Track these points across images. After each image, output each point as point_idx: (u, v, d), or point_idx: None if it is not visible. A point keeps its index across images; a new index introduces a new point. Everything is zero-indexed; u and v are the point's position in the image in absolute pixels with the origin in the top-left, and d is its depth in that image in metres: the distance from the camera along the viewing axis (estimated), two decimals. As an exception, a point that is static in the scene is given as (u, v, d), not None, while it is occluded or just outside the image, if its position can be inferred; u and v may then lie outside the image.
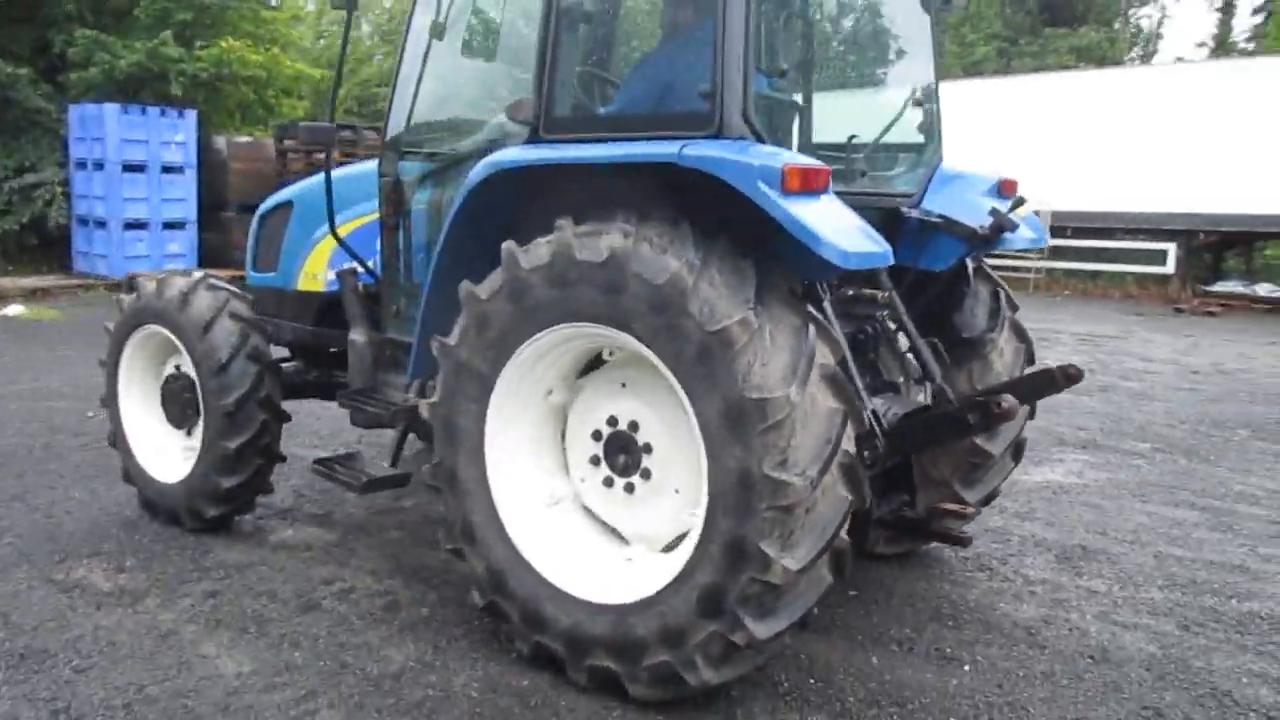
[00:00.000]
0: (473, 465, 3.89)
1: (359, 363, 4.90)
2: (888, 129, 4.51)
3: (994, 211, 4.36)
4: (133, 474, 5.48)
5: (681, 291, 3.25)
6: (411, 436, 4.95)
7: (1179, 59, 32.33)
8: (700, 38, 3.55)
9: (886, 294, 4.33)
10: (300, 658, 3.90)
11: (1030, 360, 4.93)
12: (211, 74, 18.23)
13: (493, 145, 4.18)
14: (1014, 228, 4.34)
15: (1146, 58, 35.74)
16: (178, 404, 5.31)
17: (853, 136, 4.35)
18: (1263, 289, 20.70)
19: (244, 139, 18.46)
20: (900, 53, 4.75)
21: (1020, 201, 4.41)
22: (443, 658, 3.93)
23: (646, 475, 3.71)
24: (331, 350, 5.61)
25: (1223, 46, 32.58)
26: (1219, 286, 20.96)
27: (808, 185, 3.20)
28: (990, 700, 3.75)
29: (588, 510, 3.98)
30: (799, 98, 4.46)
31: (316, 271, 5.48)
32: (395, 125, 4.65)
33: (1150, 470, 7.24)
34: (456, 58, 4.74)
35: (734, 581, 3.27)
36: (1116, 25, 33.65)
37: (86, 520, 5.41)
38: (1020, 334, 4.89)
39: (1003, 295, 4.82)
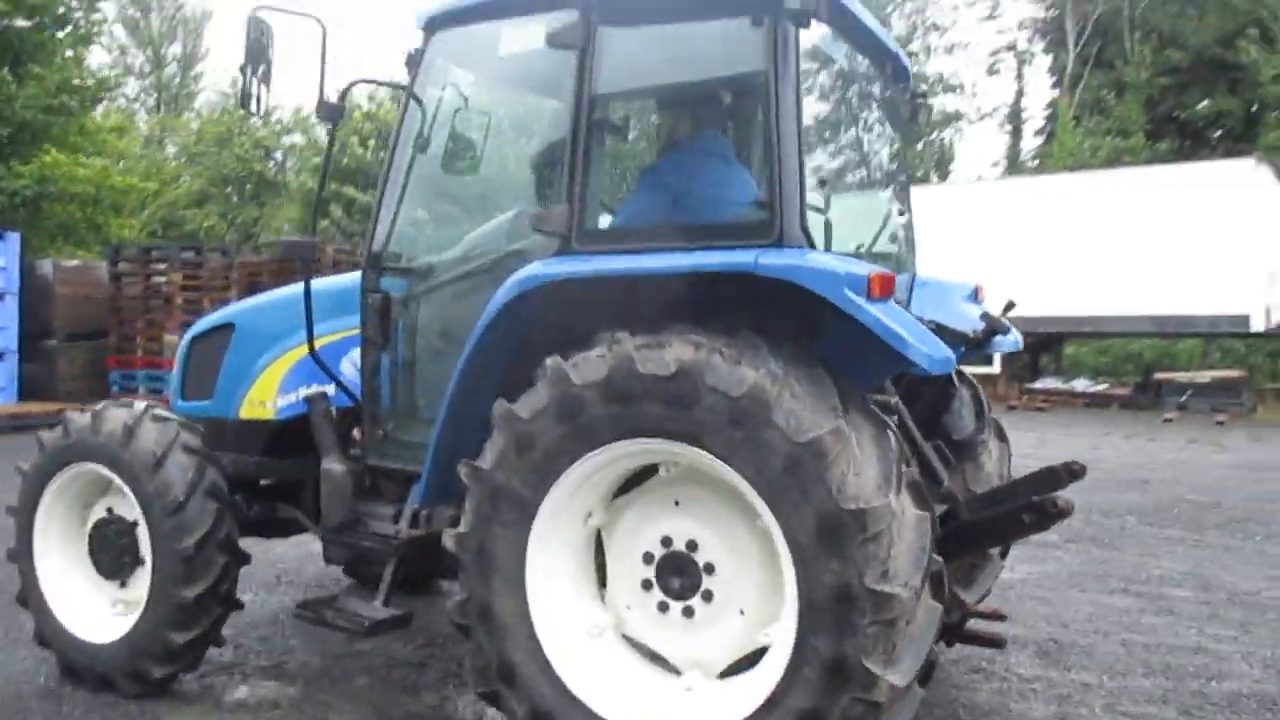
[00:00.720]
0: (511, 598, 3.60)
1: (337, 494, 4.51)
2: (879, 234, 4.63)
3: (986, 316, 4.51)
4: (49, 636, 4.80)
5: (764, 403, 3.15)
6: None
7: (979, 178, 35.46)
8: (750, 147, 3.55)
9: (895, 399, 4.37)
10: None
11: (1008, 460, 5.07)
12: (35, 192, 17.07)
13: (508, 258, 4.02)
14: (1006, 331, 4.50)
15: (944, 176, 38.92)
16: (111, 551, 4.72)
17: (859, 245, 4.43)
18: (1079, 384, 22.44)
19: (71, 262, 17.30)
20: (880, 162, 4.93)
21: (1011, 305, 4.58)
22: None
23: (708, 597, 3.52)
24: (268, 484, 5.17)
25: (1014, 165, 35.98)
26: (1040, 384, 22.59)
27: (885, 292, 3.21)
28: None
29: (627, 640, 3.74)
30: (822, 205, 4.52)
31: (264, 399, 5.05)
32: (380, 240, 4.41)
33: (1072, 561, 7.54)
34: (445, 173, 4.58)
35: (834, 704, 3.11)
36: (920, 146, 36.47)
37: (-7, 695, 4.68)
38: (1000, 435, 5.03)
39: (983, 397, 4.96)
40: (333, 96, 4.25)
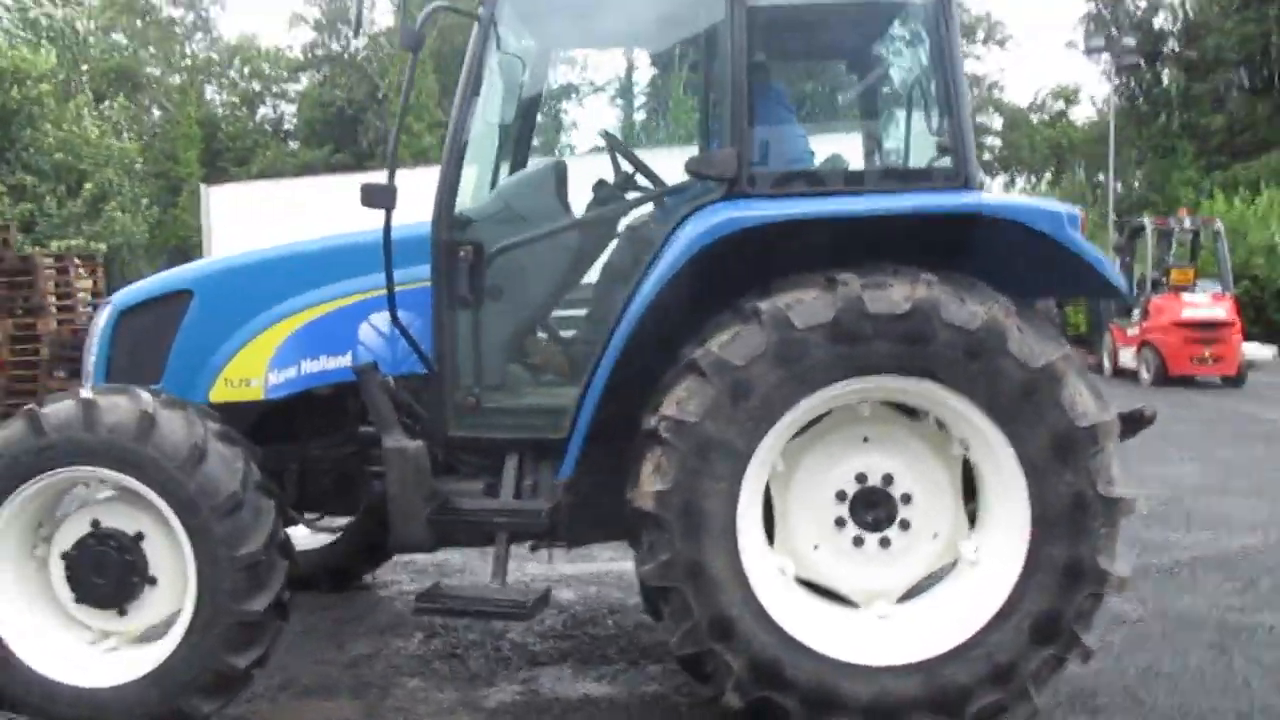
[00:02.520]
0: (723, 552, 3.51)
1: (414, 473, 3.98)
2: None
3: None
4: (15, 695, 3.78)
5: (999, 335, 3.38)
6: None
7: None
8: (917, 93, 3.72)
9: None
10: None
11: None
12: None
13: (655, 203, 3.85)
14: None
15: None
16: (108, 574, 3.80)
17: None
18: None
19: None
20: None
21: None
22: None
23: (905, 526, 3.69)
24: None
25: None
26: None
27: (1084, 228, 3.57)
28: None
29: (801, 581, 3.79)
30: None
31: (249, 376, 4.31)
32: (460, 190, 3.97)
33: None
34: (525, 119, 4.20)
35: (1070, 602, 3.45)
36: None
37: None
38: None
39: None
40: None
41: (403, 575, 5.99)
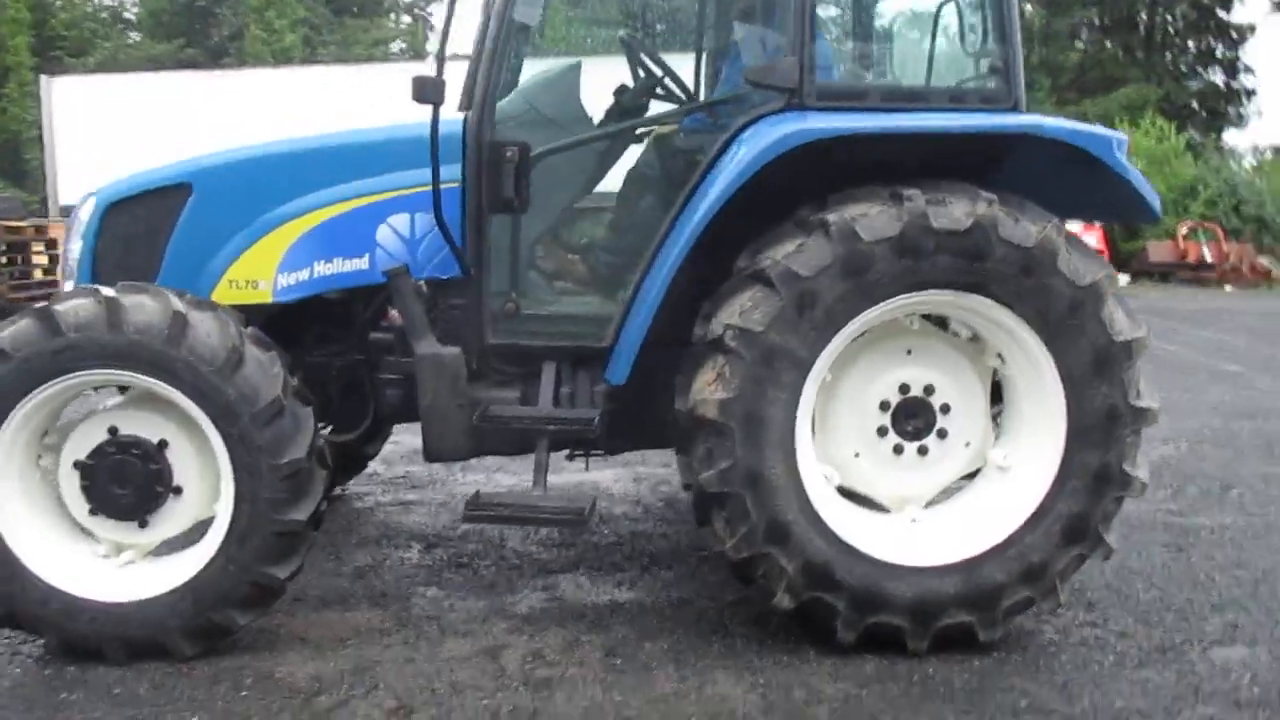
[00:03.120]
0: (781, 459, 3.59)
1: (450, 380, 3.87)
2: None
3: None
4: (24, 609, 3.55)
5: (1052, 253, 3.53)
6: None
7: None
8: (968, 10, 3.77)
9: None
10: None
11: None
12: None
13: (712, 110, 3.81)
14: None
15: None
16: (130, 485, 3.59)
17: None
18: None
19: None
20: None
21: None
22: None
23: (943, 435, 3.84)
24: None
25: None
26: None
27: (1128, 153, 3.73)
28: None
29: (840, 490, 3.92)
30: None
31: (256, 277, 4.10)
32: (501, 86, 3.82)
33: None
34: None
35: (1098, 504, 3.69)
36: (407, 20, 35.85)
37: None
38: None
39: None
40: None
41: (374, 488, 5.88)
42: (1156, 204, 3.75)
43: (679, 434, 3.73)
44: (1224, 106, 36.81)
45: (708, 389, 3.57)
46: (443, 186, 3.96)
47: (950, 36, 4.04)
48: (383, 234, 4.12)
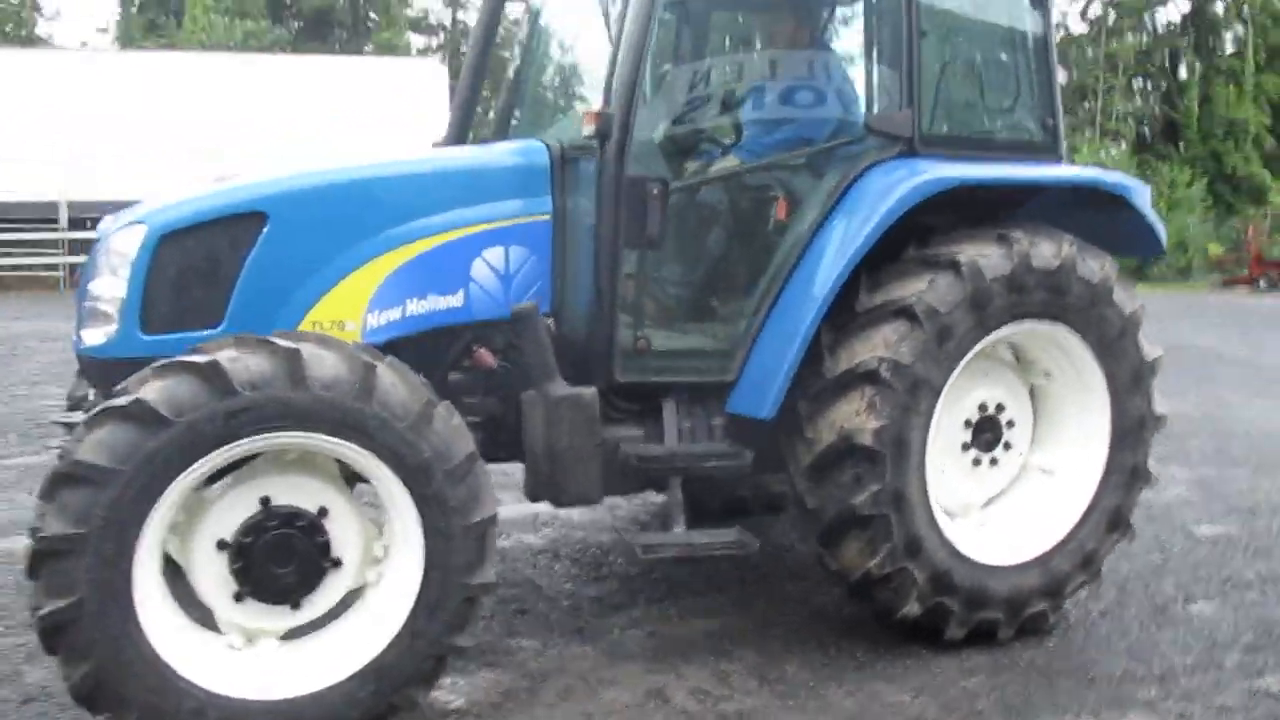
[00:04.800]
0: (916, 479, 3.92)
1: (585, 420, 3.74)
2: None
3: None
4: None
5: (1109, 287, 4.18)
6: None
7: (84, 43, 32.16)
8: (1023, 71, 4.32)
9: None
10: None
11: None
12: None
13: (829, 152, 4.03)
14: None
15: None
16: (292, 562, 3.13)
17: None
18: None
19: None
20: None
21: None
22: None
23: (1008, 447, 4.36)
24: None
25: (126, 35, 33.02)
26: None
27: (1145, 204, 4.47)
28: None
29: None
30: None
31: (344, 318, 3.70)
32: (652, 121, 3.77)
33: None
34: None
35: (1129, 496, 4.40)
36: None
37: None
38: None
39: None
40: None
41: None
42: (1163, 244, 4.53)
43: (813, 460, 3.91)
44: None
45: (858, 418, 3.81)
46: (532, 220, 3.88)
47: (997, 91, 4.54)
48: (478, 269, 3.90)
